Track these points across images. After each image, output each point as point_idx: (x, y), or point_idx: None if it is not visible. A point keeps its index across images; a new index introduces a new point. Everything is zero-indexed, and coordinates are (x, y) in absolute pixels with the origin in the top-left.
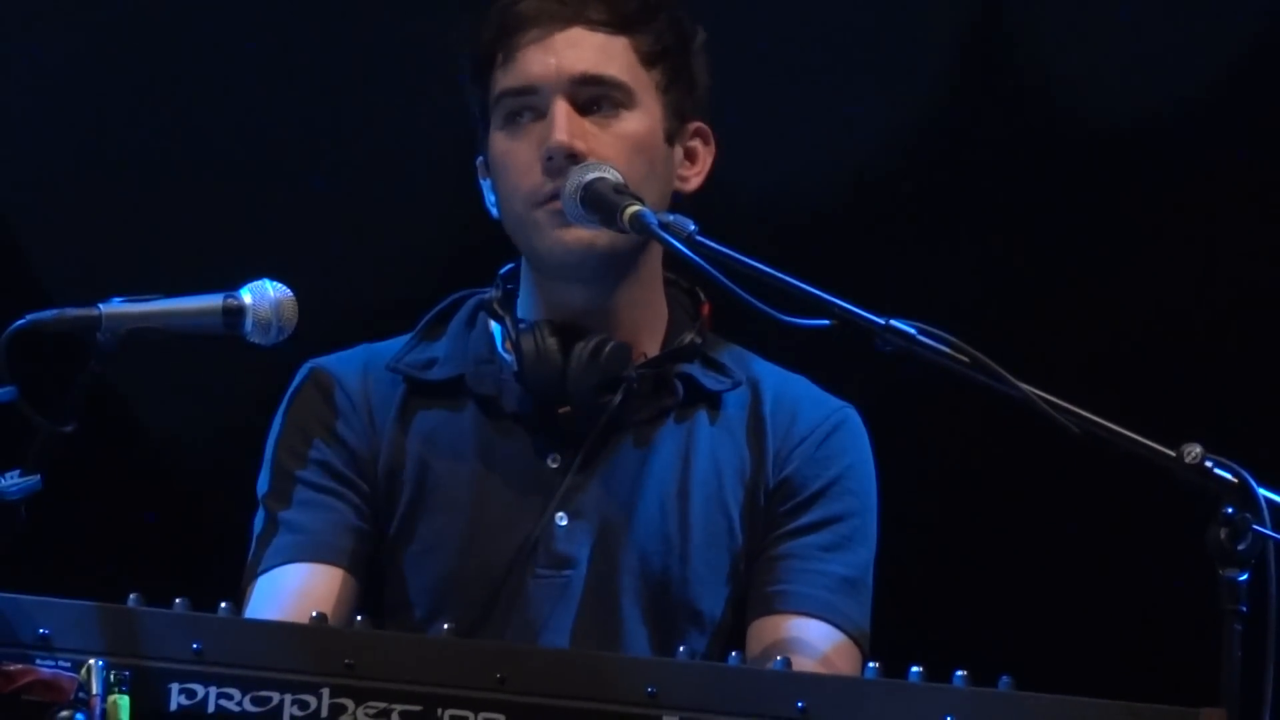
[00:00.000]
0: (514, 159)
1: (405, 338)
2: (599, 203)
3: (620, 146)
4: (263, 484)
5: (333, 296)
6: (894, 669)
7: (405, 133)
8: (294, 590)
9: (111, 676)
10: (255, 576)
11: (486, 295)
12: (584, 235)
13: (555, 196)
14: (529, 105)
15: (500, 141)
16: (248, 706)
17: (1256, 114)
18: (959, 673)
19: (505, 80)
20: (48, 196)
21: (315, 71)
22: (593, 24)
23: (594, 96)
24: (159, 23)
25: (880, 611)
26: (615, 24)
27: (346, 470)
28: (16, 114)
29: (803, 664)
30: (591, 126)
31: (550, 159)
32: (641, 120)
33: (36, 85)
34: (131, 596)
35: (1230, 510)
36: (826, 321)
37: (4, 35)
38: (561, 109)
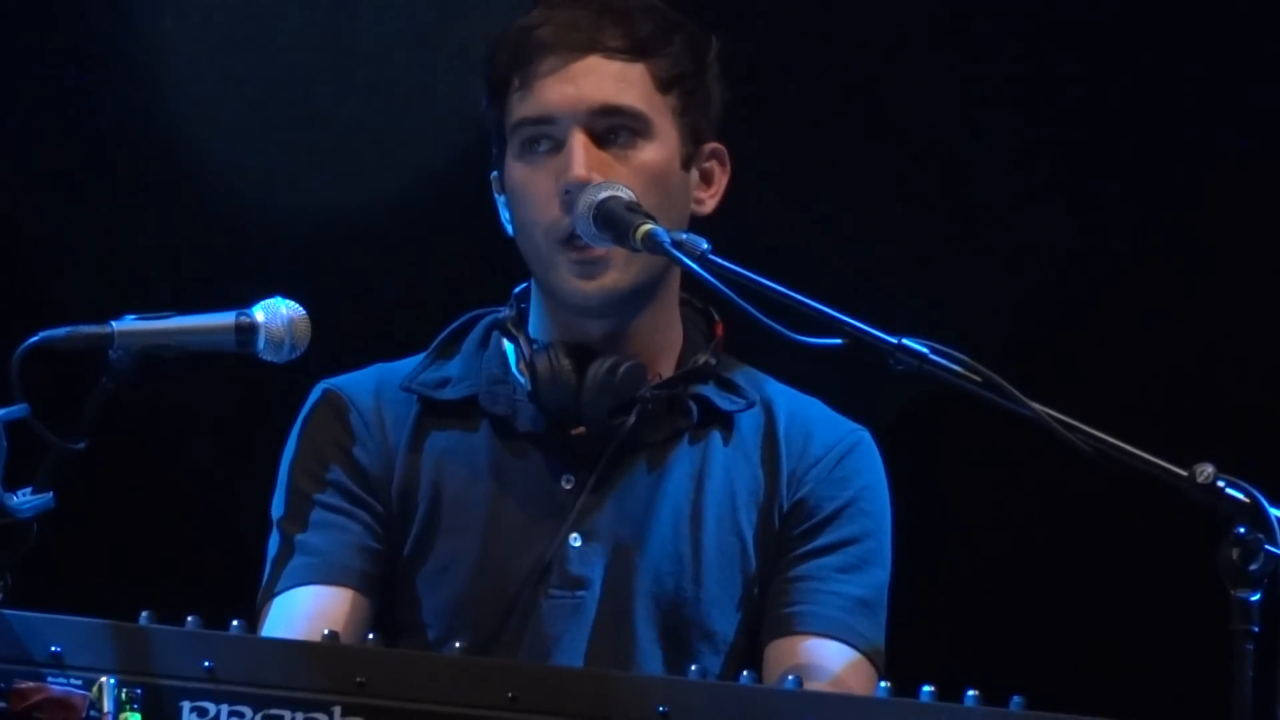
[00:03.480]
0: (532, 190)
1: (418, 357)
2: (611, 221)
3: (638, 178)
4: (277, 506)
5: (345, 315)
6: (905, 688)
7: (419, 149)
8: (308, 613)
9: (123, 694)
10: (270, 599)
11: (500, 315)
12: (606, 280)
13: (576, 235)
14: (546, 134)
15: (518, 171)
16: None
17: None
18: (971, 692)
19: (522, 109)
20: (59, 213)
21: (327, 86)
22: (610, 52)
23: (611, 127)
24: (170, 35)
25: (892, 631)
26: (632, 50)
27: (360, 491)
28: (23, 126)
29: (819, 684)
30: (609, 158)
31: (568, 193)
32: (659, 150)
33: (42, 96)
34: (143, 614)
35: (1242, 530)
36: (839, 341)
37: (7, 44)
38: (579, 142)
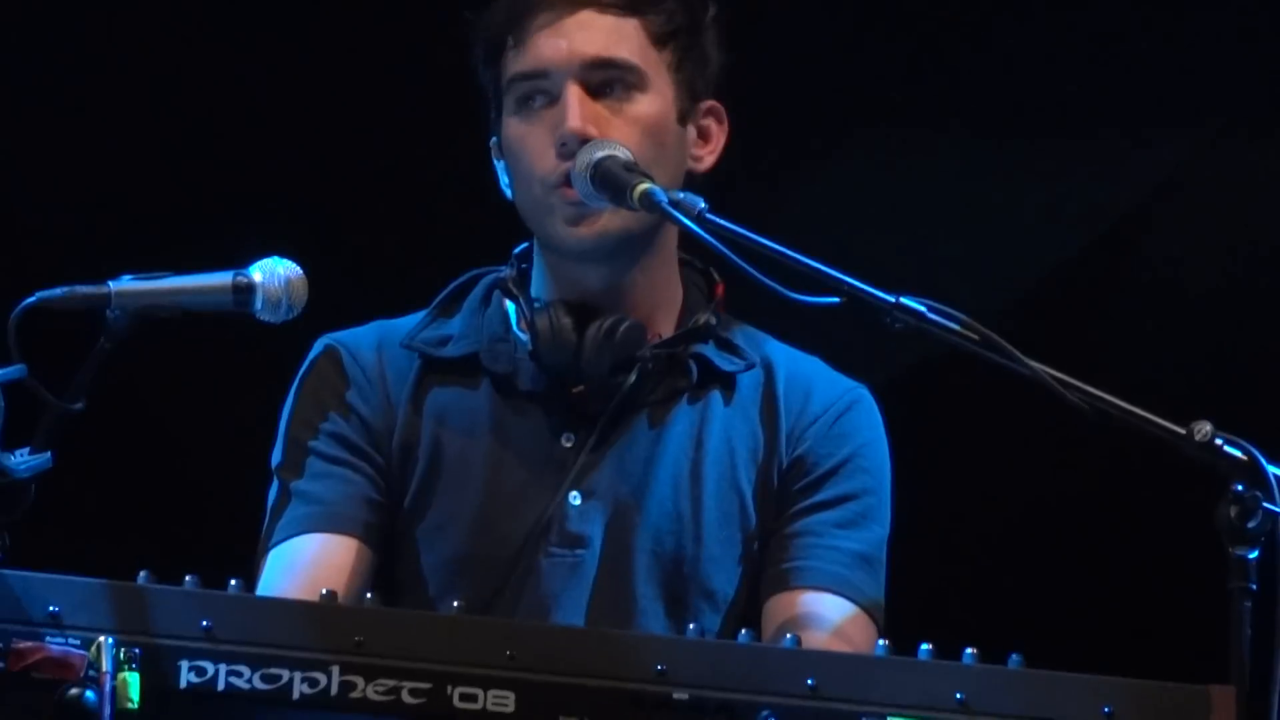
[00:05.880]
0: (528, 144)
1: (420, 314)
2: (609, 181)
3: (633, 129)
4: (277, 456)
5: (343, 274)
6: (904, 646)
7: (419, 109)
8: (308, 561)
9: (121, 654)
10: (269, 548)
11: (501, 274)
12: (598, 225)
13: (569, 182)
14: (541, 89)
15: (514, 126)
16: (257, 684)
17: None
18: (969, 650)
19: (517, 64)
20: (60, 172)
21: (326, 47)
22: (603, 6)
23: (606, 80)
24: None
25: (891, 589)
26: (626, 5)
27: (361, 442)
28: (24, 91)
29: (818, 638)
30: (604, 110)
31: (564, 144)
32: (654, 102)
33: (44, 59)
34: (141, 574)
35: (1240, 488)
36: (836, 299)
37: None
38: (573, 94)
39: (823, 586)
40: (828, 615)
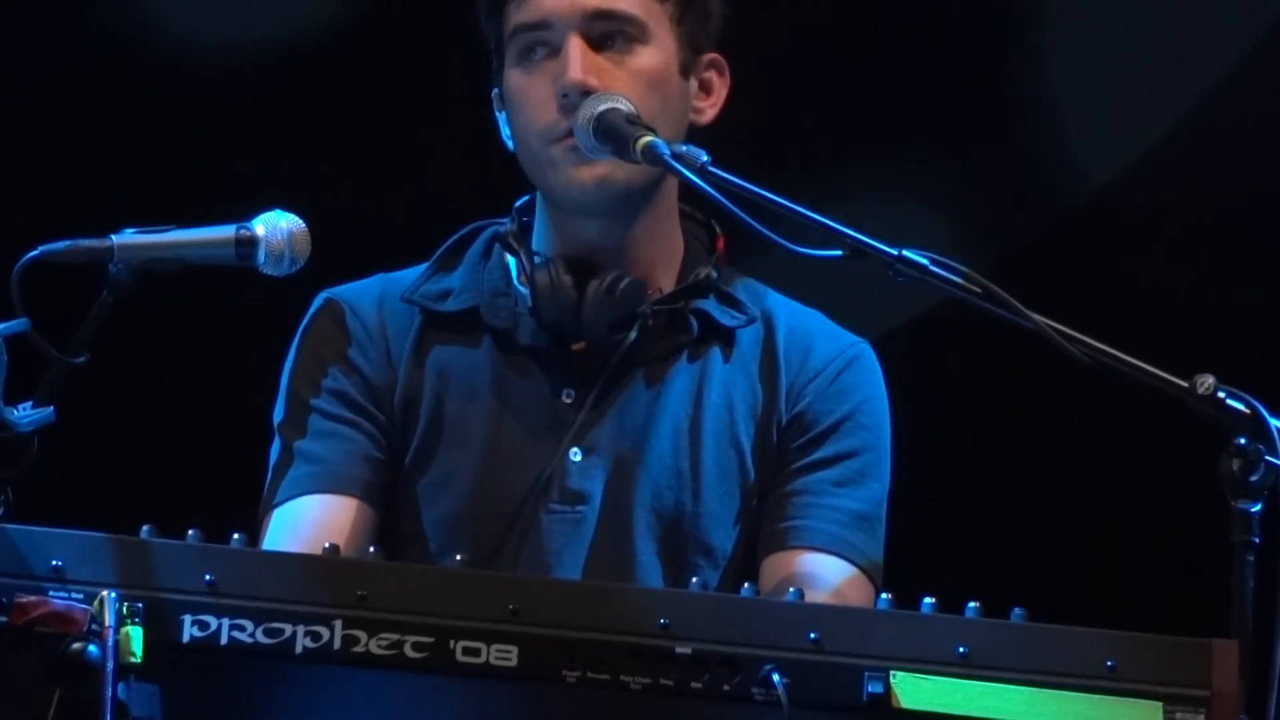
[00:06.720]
0: (529, 96)
1: (421, 268)
2: (612, 133)
3: (634, 82)
4: (279, 413)
5: (346, 227)
6: (907, 600)
7: (421, 61)
8: (311, 522)
9: (124, 608)
10: (272, 508)
11: (502, 227)
12: (599, 171)
13: (571, 134)
14: (543, 40)
15: (515, 78)
16: (260, 638)
17: None
18: (971, 604)
19: (519, 16)
20: (62, 126)
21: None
22: None
23: (607, 31)
24: None
25: (893, 543)
26: None
27: (363, 399)
28: (22, 36)
29: (815, 598)
30: (605, 62)
31: (565, 96)
32: (655, 55)
33: (46, 13)
34: (144, 528)
35: (1243, 441)
36: (839, 252)
37: None
38: (575, 45)
39: (820, 547)
40: (825, 576)
